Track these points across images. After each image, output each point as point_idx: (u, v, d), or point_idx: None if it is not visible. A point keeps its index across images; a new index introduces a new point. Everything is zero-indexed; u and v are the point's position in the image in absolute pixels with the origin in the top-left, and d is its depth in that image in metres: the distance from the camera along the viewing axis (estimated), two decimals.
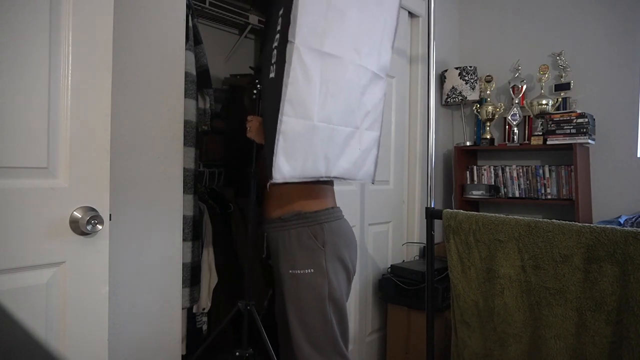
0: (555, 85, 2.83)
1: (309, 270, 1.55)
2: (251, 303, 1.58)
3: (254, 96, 1.58)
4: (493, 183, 2.99)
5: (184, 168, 1.60)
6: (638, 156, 2.61)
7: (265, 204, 1.67)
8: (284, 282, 1.58)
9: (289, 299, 1.56)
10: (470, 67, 2.98)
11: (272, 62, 1.37)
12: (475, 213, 1.77)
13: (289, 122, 1.31)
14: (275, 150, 1.30)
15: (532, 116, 2.86)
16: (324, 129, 1.40)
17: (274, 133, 1.31)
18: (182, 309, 1.63)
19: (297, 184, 1.49)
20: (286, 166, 1.33)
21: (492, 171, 3.00)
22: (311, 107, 1.35)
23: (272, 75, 1.37)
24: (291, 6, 1.27)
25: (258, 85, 1.57)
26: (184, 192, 1.60)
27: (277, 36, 1.36)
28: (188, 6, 1.59)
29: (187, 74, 1.60)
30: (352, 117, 1.53)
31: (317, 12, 1.31)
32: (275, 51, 1.36)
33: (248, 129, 1.52)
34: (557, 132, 2.62)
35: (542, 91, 2.80)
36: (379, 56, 1.60)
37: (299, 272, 1.55)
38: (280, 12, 1.34)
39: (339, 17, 1.39)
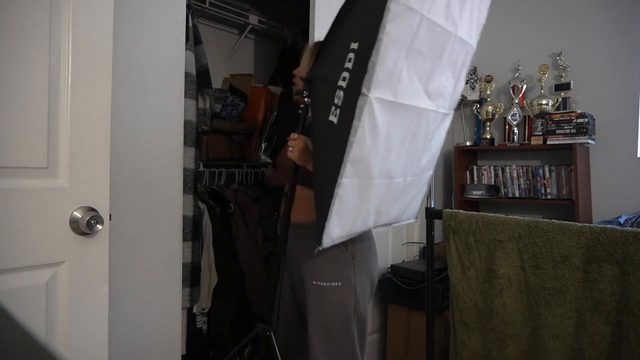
0: (555, 85, 2.83)
1: (336, 284, 1.49)
2: (271, 329, 1.44)
3: (300, 111, 1.39)
4: (493, 183, 2.99)
5: (184, 168, 1.60)
6: (638, 156, 2.61)
7: (295, 206, 1.52)
8: (307, 292, 1.51)
9: (312, 310, 1.50)
10: (470, 67, 2.98)
11: (336, 103, 1.16)
12: (475, 213, 1.77)
13: (346, 185, 1.14)
14: (328, 215, 1.15)
15: (532, 116, 2.86)
16: (381, 185, 1.24)
17: (328, 195, 1.14)
18: (182, 309, 1.63)
19: None
20: (337, 229, 1.19)
21: (492, 171, 3.00)
22: (373, 165, 1.18)
23: (332, 119, 1.17)
24: (371, 52, 1.04)
25: (306, 100, 1.36)
26: (184, 192, 1.60)
27: (347, 76, 1.13)
28: (188, 6, 1.59)
29: (187, 74, 1.60)
30: (414, 166, 1.36)
31: (396, 56, 1.09)
32: (341, 93, 1.15)
33: (290, 148, 1.36)
34: (557, 132, 2.62)
35: (542, 91, 2.80)
36: (453, 94, 1.39)
37: (324, 284, 1.48)
38: (356, 46, 1.12)
39: (418, 58, 1.16)
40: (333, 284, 1.48)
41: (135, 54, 1.42)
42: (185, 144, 1.61)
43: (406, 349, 2.49)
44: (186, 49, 1.60)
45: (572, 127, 2.58)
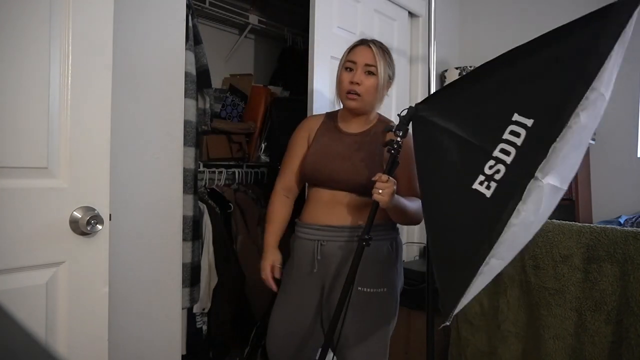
0: None
1: (382, 290, 1.44)
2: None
3: (393, 151, 1.28)
4: None
5: (184, 168, 1.60)
6: (638, 156, 2.61)
7: (332, 209, 1.47)
8: (351, 297, 1.42)
9: (352, 318, 1.40)
10: (471, 67, 2.98)
11: (487, 173, 1.07)
12: None
13: (494, 265, 1.04)
14: (465, 293, 1.05)
15: None
16: (502, 264, 1.13)
17: (469, 272, 1.04)
18: (182, 309, 1.63)
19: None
20: (464, 303, 1.10)
21: None
22: (518, 247, 1.09)
23: (481, 189, 1.07)
24: (556, 137, 0.97)
25: (399, 139, 1.28)
26: (184, 192, 1.60)
27: (511, 151, 1.05)
28: (188, 6, 1.59)
29: (187, 74, 1.60)
30: (526, 242, 1.25)
31: (574, 142, 1.01)
32: (500, 166, 1.05)
33: (379, 191, 1.25)
34: None
35: None
36: None
37: (370, 290, 1.42)
38: (528, 122, 1.04)
39: (586, 139, 1.11)
40: (379, 290, 1.43)
41: (136, 53, 1.42)
42: (185, 144, 1.61)
43: (406, 349, 2.49)
44: (186, 49, 1.60)
45: None
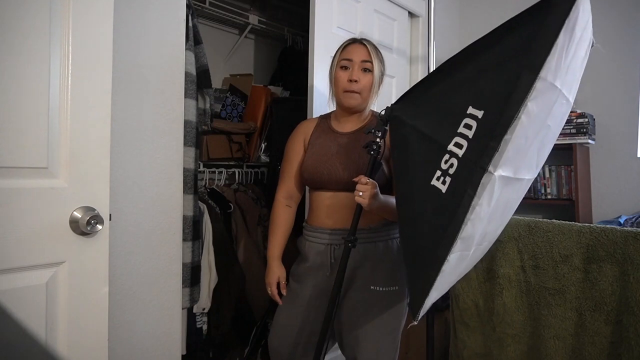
0: None
1: (394, 288, 1.43)
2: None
3: (372, 152, 1.28)
4: None
5: (184, 168, 1.60)
6: (638, 156, 2.61)
7: (337, 212, 1.46)
8: (361, 300, 1.44)
9: (365, 313, 1.43)
10: None
11: (443, 168, 1.06)
12: None
13: (452, 260, 1.04)
14: (430, 291, 1.06)
15: None
16: (473, 252, 1.15)
17: (433, 271, 1.04)
18: (182, 309, 1.63)
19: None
20: (431, 300, 1.11)
21: None
22: (476, 238, 1.09)
23: (438, 185, 1.07)
24: (506, 129, 0.95)
25: (378, 139, 1.27)
26: (184, 192, 1.60)
27: (463, 144, 1.03)
28: (188, 6, 1.59)
29: (187, 74, 1.60)
30: (501, 229, 1.30)
31: (528, 134, 1.00)
32: (454, 160, 1.05)
33: (360, 193, 1.26)
34: None
35: None
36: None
37: (382, 289, 1.41)
38: (479, 114, 1.02)
39: (545, 133, 1.09)
40: (391, 288, 1.42)
41: (135, 53, 1.42)
42: (185, 144, 1.61)
43: (406, 349, 2.49)
44: (186, 49, 1.60)
45: (572, 127, 2.58)
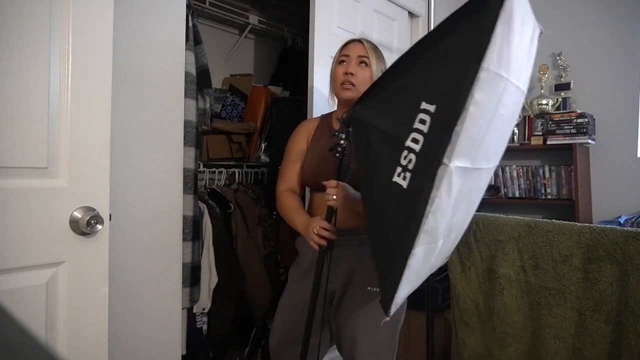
0: (555, 85, 2.83)
1: None
2: None
3: (337, 155, 1.29)
4: (493, 183, 2.99)
5: (184, 168, 1.60)
6: (638, 156, 2.61)
7: (338, 213, 1.42)
8: (357, 301, 1.44)
9: (362, 314, 1.42)
10: None
11: (403, 164, 1.08)
12: (476, 213, 1.77)
13: (418, 254, 1.06)
14: (399, 286, 1.08)
15: (532, 116, 2.86)
16: (442, 244, 1.17)
17: (399, 265, 1.07)
18: (182, 309, 1.63)
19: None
20: (402, 295, 1.13)
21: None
22: (441, 229, 1.11)
23: (399, 181, 1.08)
24: (456, 121, 0.97)
25: (342, 142, 1.28)
26: (184, 192, 1.60)
27: (419, 139, 1.06)
28: (188, 6, 1.59)
29: (187, 74, 1.60)
30: (466, 221, 1.32)
31: (480, 124, 1.01)
32: (412, 156, 1.06)
33: (334, 197, 1.29)
34: (557, 132, 2.62)
35: (542, 91, 2.80)
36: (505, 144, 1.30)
37: (379, 290, 1.42)
38: (431, 108, 1.05)
39: (499, 122, 1.10)
40: None
41: (135, 53, 1.42)
42: (185, 144, 1.61)
43: (406, 349, 2.49)
44: (186, 49, 1.60)
45: (572, 127, 2.58)
